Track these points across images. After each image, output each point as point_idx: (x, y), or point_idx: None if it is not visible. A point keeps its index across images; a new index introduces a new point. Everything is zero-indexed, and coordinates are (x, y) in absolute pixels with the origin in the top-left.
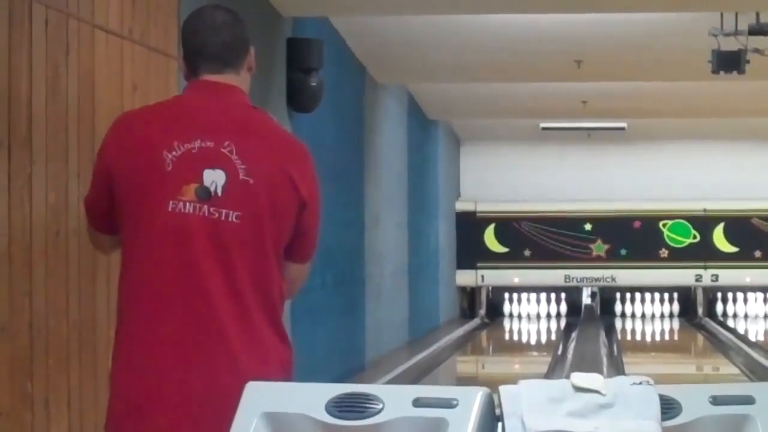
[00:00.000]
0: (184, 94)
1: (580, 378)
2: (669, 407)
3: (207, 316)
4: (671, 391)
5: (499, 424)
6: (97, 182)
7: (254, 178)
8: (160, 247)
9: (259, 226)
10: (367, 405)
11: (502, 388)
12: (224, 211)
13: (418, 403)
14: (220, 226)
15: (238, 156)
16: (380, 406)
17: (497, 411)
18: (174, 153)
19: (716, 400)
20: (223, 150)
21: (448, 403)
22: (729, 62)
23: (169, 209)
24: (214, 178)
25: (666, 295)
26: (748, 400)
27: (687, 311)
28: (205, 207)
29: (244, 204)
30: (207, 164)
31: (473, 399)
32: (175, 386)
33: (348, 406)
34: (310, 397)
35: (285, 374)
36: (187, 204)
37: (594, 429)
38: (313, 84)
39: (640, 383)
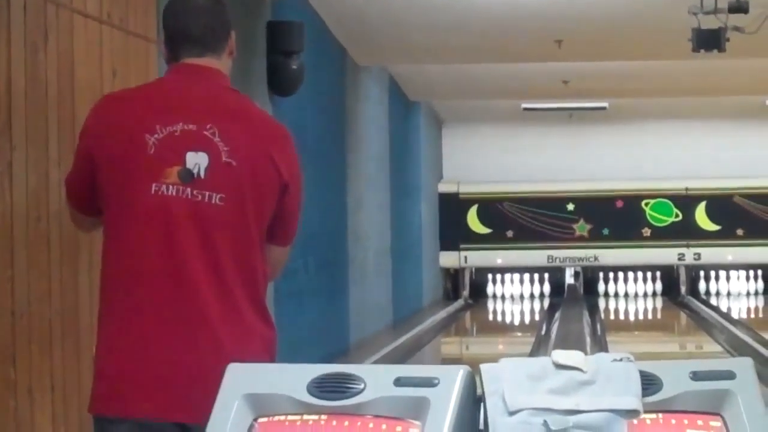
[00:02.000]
0: (166, 77)
1: (560, 355)
2: (650, 383)
3: (190, 298)
4: (652, 367)
5: (481, 403)
6: (78, 164)
7: (237, 160)
8: (143, 230)
9: (241, 209)
10: (349, 385)
11: (483, 367)
12: (207, 193)
13: (399, 382)
14: (203, 209)
15: (221, 138)
16: (362, 385)
17: (479, 390)
18: (156, 136)
19: (697, 376)
20: (205, 133)
21: (429, 382)
22: (709, 40)
23: (152, 192)
24: (196, 161)
25: (649, 274)
26: (729, 375)
27: (670, 290)
28: (188, 189)
29: (227, 186)
30: (189, 147)
31: (454, 378)
32: (159, 368)
33: (330, 387)
34: (292, 378)
35: (268, 356)
36: (170, 187)
37: (575, 406)
38: (294, 67)
39: (621, 360)
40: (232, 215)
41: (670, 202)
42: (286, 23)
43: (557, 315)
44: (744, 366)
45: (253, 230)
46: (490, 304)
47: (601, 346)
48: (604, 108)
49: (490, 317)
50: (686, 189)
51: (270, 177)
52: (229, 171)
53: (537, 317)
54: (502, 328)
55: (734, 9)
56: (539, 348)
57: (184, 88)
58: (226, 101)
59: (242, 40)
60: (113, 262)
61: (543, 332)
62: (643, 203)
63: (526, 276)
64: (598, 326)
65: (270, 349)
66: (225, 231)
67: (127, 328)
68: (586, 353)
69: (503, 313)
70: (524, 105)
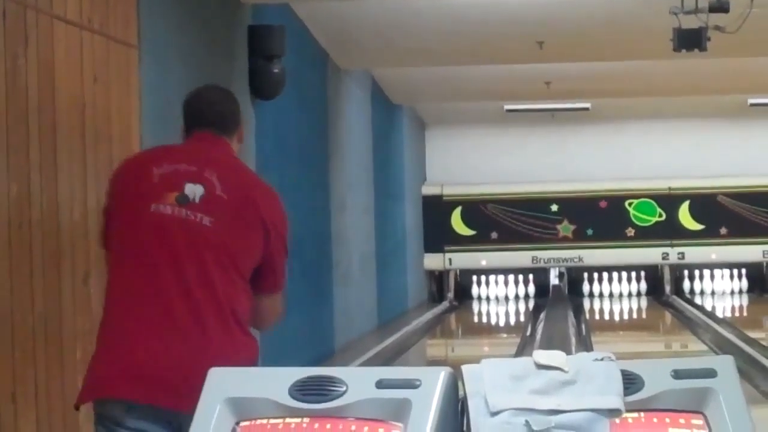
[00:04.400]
0: (178, 145)
1: (542, 355)
2: (631, 382)
3: (182, 300)
4: (633, 366)
5: (463, 404)
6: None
7: (228, 195)
8: (141, 241)
9: (227, 232)
10: (331, 388)
11: (464, 368)
12: (199, 215)
13: (381, 384)
14: (193, 226)
15: (217, 179)
16: (344, 388)
17: (461, 391)
18: (161, 170)
19: (678, 374)
20: (205, 173)
21: (411, 384)
22: (690, 40)
23: (151, 210)
24: (194, 190)
25: (633, 274)
26: (710, 374)
27: (654, 289)
28: (183, 210)
29: (216, 213)
30: (189, 179)
31: (436, 379)
32: (155, 359)
33: (311, 390)
34: (274, 382)
35: (252, 360)
36: (168, 206)
37: (557, 406)
38: (276, 71)
39: (602, 359)
40: (219, 235)
41: (653, 202)
42: (266, 27)
43: (542, 316)
44: (725, 364)
45: (236, 255)
46: (475, 306)
47: (586, 346)
48: (586, 109)
49: (475, 319)
50: (669, 189)
51: (253, 215)
52: (220, 201)
53: (522, 318)
54: (488, 330)
55: (715, 8)
56: (524, 349)
57: (193, 146)
58: (227, 159)
59: (223, 44)
60: (114, 271)
61: (528, 333)
62: (626, 203)
63: (511, 277)
64: (583, 327)
65: (253, 356)
66: (211, 247)
67: (123, 327)
68: (571, 354)
69: (488, 315)
70: (507, 107)
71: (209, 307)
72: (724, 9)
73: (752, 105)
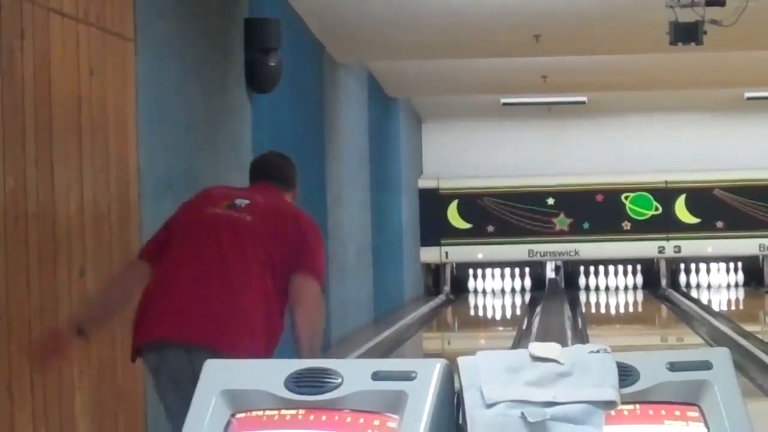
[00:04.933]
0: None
1: (537, 348)
2: (627, 374)
3: (223, 271)
4: (629, 358)
5: (459, 396)
6: (158, 238)
7: (269, 206)
8: (193, 232)
9: (264, 228)
10: (326, 379)
11: (460, 360)
12: (243, 214)
13: (377, 376)
14: (237, 221)
15: (263, 200)
16: (339, 380)
17: (456, 383)
18: (219, 190)
19: (674, 367)
20: (254, 197)
21: (406, 376)
22: (686, 34)
23: (205, 212)
24: (242, 201)
25: (629, 267)
26: (705, 366)
27: (650, 283)
28: (230, 211)
29: (257, 214)
30: (240, 196)
31: (432, 371)
32: (178, 306)
33: (307, 381)
34: (270, 374)
35: (274, 335)
36: (218, 209)
37: (552, 398)
38: (272, 64)
39: (598, 351)
40: (258, 229)
41: (650, 196)
42: (263, 20)
43: (538, 309)
44: (721, 356)
45: (270, 246)
46: (472, 299)
47: (582, 339)
48: (583, 102)
49: (472, 312)
50: (666, 182)
51: (285, 218)
52: (260, 207)
53: (518, 312)
54: (484, 323)
55: (711, 2)
56: (520, 342)
57: (252, 188)
58: (276, 196)
59: (219, 37)
60: (169, 254)
61: (524, 326)
62: (623, 197)
63: (507, 271)
64: (579, 320)
65: (277, 333)
66: (250, 237)
67: (161, 285)
68: (567, 347)
69: (485, 308)
70: (503, 100)
71: (242, 277)
72: (720, 2)
73: (749, 99)
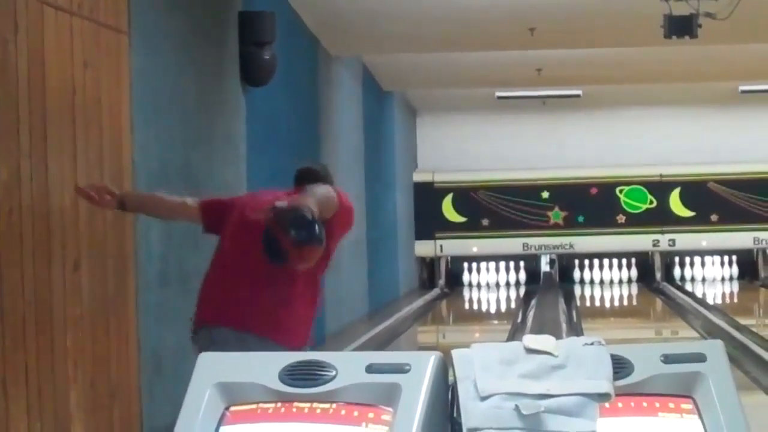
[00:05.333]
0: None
1: (532, 340)
2: (621, 367)
3: (269, 270)
4: (623, 350)
5: (453, 388)
6: (220, 202)
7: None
8: (243, 234)
9: None
10: (321, 372)
11: (454, 352)
12: None
13: (371, 369)
14: None
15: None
16: (333, 373)
17: (451, 376)
18: (270, 196)
19: (668, 359)
20: (293, 195)
21: (400, 369)
22: (681, 27)
23: (255, 215)
24: (281, 203)
25: (624, 261)
26: (700, 358)
27: (645, 276)
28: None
29: None
30: (279, 199)
31: (426, 364)
32: (230, 299)
33: (301, 374)
34: (264, 366)
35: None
36: (263, 214)
37: (546, 390)
38: (266, 57)
39: (592, 344)
40: None
41: (644, 189)
42: (257, 13)
43: (533, 303)
44: (715, 348)
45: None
46: (466, 293)
47: (576, 333)
48: (577, 95)
49: (467, 306)
50: (660, 175)
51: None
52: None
53: (513, 305)
54: (479, 317)
55: None
56: (515, 336)
57: (294, 191)
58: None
59: (214, 30)
60: (224, 247)
61: (519, 320)
62: (617, 190)
63: (502, 264)
64: (574, 313)
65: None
66: None
67: (215, 277)
68: (561, 339)
69: (479, 302)
70: (498, 93)
71: (283, 275)
72: None
73: (743, 92)
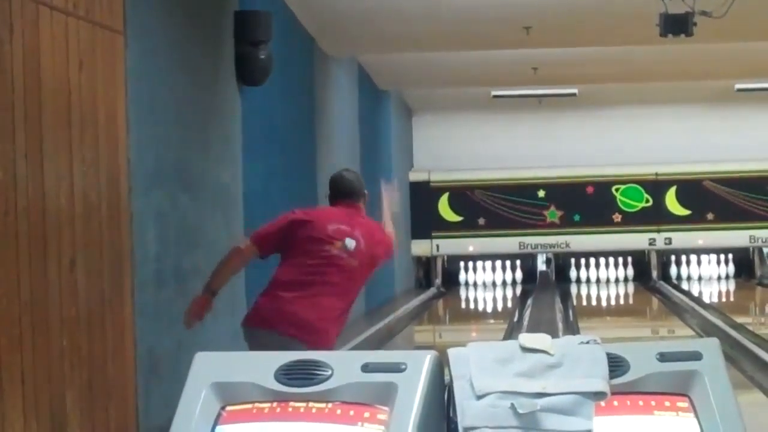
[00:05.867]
0: (334, 207)
1: (528, 339)
2: (617, 365)
3: (329, 297)
4: (619, 349)
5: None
6: (279, 227)
7: (366, 249)
8: (312, 265)
9: (363, 269)
10: (316, 372)
11: (450, 351)
12: (352, 259)
13: (367, 368)
14: (347, 268)
15: (361, 237)
16: (329, 372)
17: (447, 375)
18: (331, 227)
19: (663, 357)
20: (354, 233)
21: (396, 368)
22: (677, 25)
23: (324, 250)
24: (350, 243)
25: (620, 260)
26: (695, 356)
27: (641, 275)
28: (343, 254)
29: (360, 258)
30: (346, 235)
31: (422, 363)
32: (290, 312)
33: (297, 374)
34: (259, 366)
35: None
36: (334, 250)
37: (542, 389)
38: (262, 57)
39: (588, 342)
40: (359, 271)
41: (640, 188)
42: (253, 12)
43: (529, 302)
44: (710, 347)
45: (362, 280)
46: (463, 292)
47: (573, 332)
48: (573, 94)
49: (463, 305)
50: (656, 174)
51: (375, 261)
52: (362, 252)
53: (509, 304)
54: (475, 316)
55: None
56: (511, 335)
57: (345, 211)
58: (365, 222)
59: (210, 30)
60: (293, 271)
61: (515, 319)
62: (613, 189)
63: (498, 263)
64: (570, 312)
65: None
66: (353, 279)
67: (277, 294)
68: (557, 338)
69: (476, 301)
70: (494, 92)
71: (338, 303)
72: None
73: (739, 90)
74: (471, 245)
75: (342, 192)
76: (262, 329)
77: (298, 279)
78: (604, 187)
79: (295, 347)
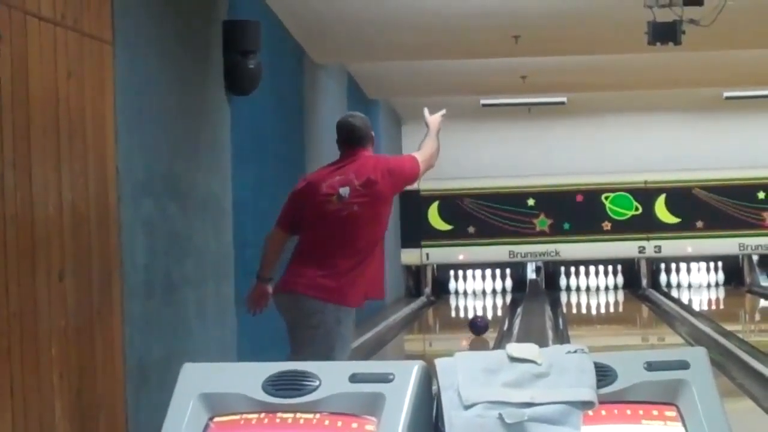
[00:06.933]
0: (341, 157)
1: (515, 348)
2: (604, 374)
3: (344, 251)
4: (607, 358)
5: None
6: (289, 209)
7: (364, 182)
8: (320, 226)
9: (368, 212)
10: (304, 382)
11: (437, 361)
12: (351, 205)
13: (354, 378)
14: (349, 216)
15: (354, 177)
16: (317, 383)
17: (434, 385)
18: (325, 184)
19: (651, 366)
20: (346, 178)
21: (384, 378)
22: (665, 33)
23: (325, 209)
24: (344, 191)
25: (610, 268)
26: (683, 365)
27: (631, 283)
28: (341, 206)
29: (359, 199)
30: (339, 185)
31: (409, 373)
32: (308, 277)
33: (285, 384)
34: (247, 377)
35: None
36: (331, 206)
37: (530, 398)
38: (251, 66)
39: (575, 351)
40: (365, 214)
41: (629, 196)
42: (241, 22)
43: (519, 310)
44: (698, 356)
45: (376, 225)
46: (453, 301)
47: (563, 340)
48: (562, 103)
49: (453, 314)
50: (645, 182)
51: (382, 186)
52: (358, 192)
53: (499, 313)
54: (465, 325)
55: (689, 2)
56: (501, 343)
57: (345, 161)
58: (362, 160)
59: (198, 40)
60: (305, 239)
61: (505, 328)
62: (602, 197)
63: (488, 272)
64: (560, 320)
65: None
66: (357, 223)
67: (300, 259)
68: (545, 347)
69: (466, 310)
70: (483, 101)
71: (349, 260)
72: (698, 2)
73: (727, 98)
74: (461, 254)
75: (342, 138)
76: (283, 293)
77: (308, 244)
78: (593, 195)
79: (316, 306)
